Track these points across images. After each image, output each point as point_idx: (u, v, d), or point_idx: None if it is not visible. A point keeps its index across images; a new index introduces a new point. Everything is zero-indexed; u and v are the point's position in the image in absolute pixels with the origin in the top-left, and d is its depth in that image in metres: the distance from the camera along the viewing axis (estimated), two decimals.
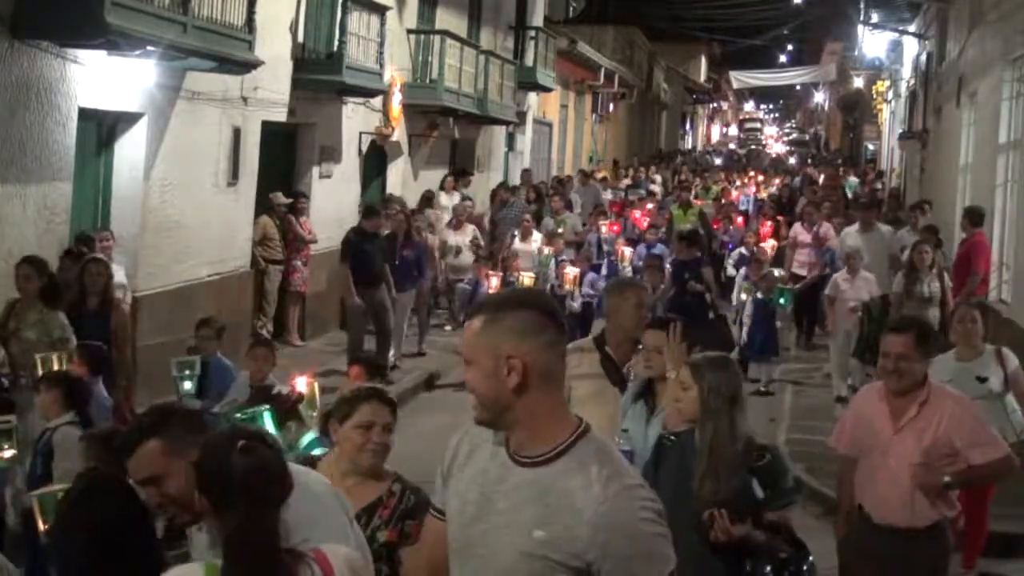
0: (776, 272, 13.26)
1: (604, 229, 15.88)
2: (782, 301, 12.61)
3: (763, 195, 25.79)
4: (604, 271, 14.40)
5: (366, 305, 11.97)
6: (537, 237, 14.92)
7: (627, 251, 14.74)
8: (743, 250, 15.14)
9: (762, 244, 15.29)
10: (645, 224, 17.35)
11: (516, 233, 15.17)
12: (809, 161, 44.81)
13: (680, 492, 4.22)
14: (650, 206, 20.14)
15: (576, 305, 12.40)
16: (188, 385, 7.49)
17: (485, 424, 2.67)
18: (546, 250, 13.93)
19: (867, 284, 12.04)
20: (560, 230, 15.73)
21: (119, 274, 9.84)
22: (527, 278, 12.35)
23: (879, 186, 28.74)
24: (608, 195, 22.69)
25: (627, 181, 26.90)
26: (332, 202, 14.74)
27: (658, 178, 28.39)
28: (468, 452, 2.76)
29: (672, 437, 4.54)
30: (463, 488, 2.72)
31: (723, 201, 22.04)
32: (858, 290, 11.93)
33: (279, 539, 2.68)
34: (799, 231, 15.12)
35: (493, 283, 12.32)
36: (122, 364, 8.25)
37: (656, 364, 5.11)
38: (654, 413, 5.10)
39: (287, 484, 2.76)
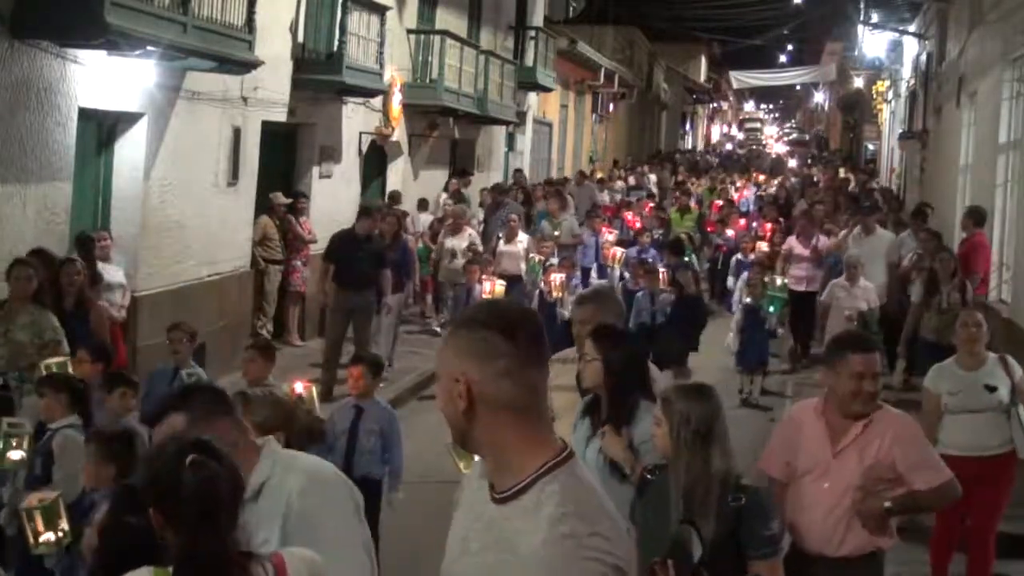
0: (778, 280, 12.75)
1: (603, 233, 15.66)
2: (771, 309, 12.05)
3: (763, 193, 25.59)
4: (594, 275, 14.29)
5: (344, 310, 11.65)
6: (523, 238, 14.55)
7: (618, 251, 14.48)
8: (739, 256, 14.78)
9: (760, 245, 14.92)
10: (638, 225, 17.08)
11: (501, 235, 14.85)
12: (809, 161, 44.77)
13: (659, 534, 3.91)
14: (651, 205, 20.01)
15: (567, 313, 12.18)
16: None
17: (457, 444, 2.45)
18: (536, 256, 13.60)
19: (865, 293, 11.61)
20: (556, 233, 15.48)
21: (118, 274, 9.85)
22: (499, 286, 12.01)
23: (874, 185, 28.48)
24: (605, 197, 22.39)
25: (620, 183, 26.47)
26: (332, 202, 14.74)
27: (652, 177, 27.98)
28: (475, 481, 2.52)
29: (656, 471, 4.21)
30: (455, 520, 2.54)
31: (721, 201, 21.67)
32: (855, 299, 11.53)
33: (232, 546, 2.68)
34: (794, 244, 14.14)
35: (486, 287, 12.01)
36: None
37: (590, 374, 4.80)
38: (595, 434, 4.77)
39: (239, 489, 2.76)
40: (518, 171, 22.64)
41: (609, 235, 15.79)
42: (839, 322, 11.35)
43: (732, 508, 3.87)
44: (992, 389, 6.61)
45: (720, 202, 21.56)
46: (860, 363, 4.51)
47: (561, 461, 2.33)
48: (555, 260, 13.49)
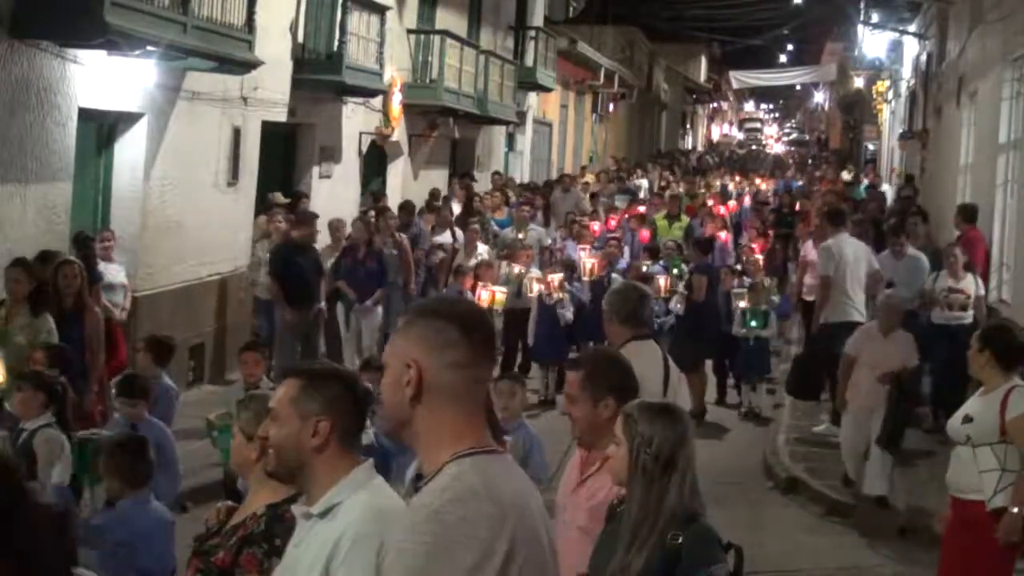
0: (767, 281, 12.35)
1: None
2: (753, 323, 11.45)
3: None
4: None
5: (295, 325, 10.66)
6: (483, 250, 13.40)
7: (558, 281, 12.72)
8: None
9: (750, 255, 13.77)
10: (596, 230, 15.80)
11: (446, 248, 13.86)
12: (810, 162, 44.68)
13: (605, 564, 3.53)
14: (639, 209, 18.34)
15: (569, 315, 11.59)
16: None
17: (390, 432, 2.58)
18: (516, 268, 12.39)
19: (903, 346, 8.68)
20: (520, 236, 14.25)
21: (120, 274, 9.86)
22: (499, 292, 11.46)
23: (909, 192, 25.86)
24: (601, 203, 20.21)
25: (611, 185, 24.23)
26: (332, 202, 14.72)
27: (644, 183, 26.90)
28: None
29: (623, 503, 3.67)
30: None
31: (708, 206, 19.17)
32: (888, 355, 8.60)
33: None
34: (809, 250, 12.51)
35: (483, 296, 11.25)
36: (95, 367, 8.18)
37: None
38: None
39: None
40: (496, 174, 21.32)
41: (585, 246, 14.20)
42: (870, 385, 8.59)
43: (670, 545, 3.45)
44: (967, 420, 5.70)
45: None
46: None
47: (478, 452, 2.37)
48: (536, 270, 12.50)
